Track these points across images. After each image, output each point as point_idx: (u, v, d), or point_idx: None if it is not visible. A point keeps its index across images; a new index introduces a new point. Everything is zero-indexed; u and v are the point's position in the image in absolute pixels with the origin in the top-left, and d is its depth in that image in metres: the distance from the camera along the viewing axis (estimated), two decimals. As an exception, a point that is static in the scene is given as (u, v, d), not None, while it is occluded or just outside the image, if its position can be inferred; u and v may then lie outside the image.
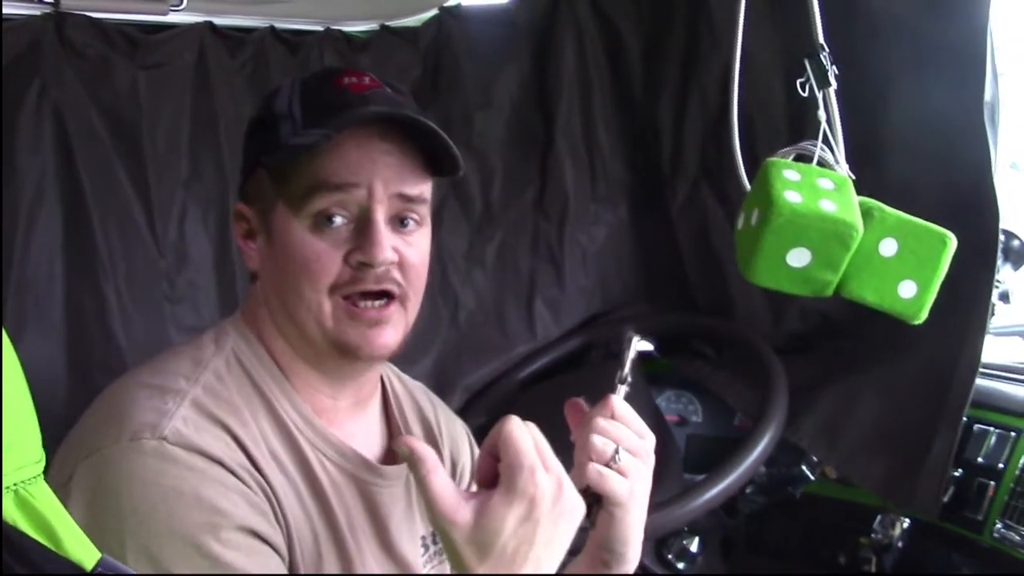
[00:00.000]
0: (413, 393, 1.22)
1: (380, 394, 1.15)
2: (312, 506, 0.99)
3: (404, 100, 1.02)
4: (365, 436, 1.10)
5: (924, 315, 1.19)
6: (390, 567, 1.07)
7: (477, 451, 1.27)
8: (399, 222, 1.00)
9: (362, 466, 1.05)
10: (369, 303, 0.99)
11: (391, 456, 1.12)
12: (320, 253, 0.97)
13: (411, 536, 1.10)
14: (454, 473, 1.21)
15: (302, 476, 0.99)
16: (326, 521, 1.00)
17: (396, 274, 0.99)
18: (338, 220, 0.97)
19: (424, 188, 1.02)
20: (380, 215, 0.97)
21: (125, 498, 0.86)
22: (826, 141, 1.22)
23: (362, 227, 0.97)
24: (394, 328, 1.00)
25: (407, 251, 1.00)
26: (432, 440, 1.19)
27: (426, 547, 1.13)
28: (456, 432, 1.25)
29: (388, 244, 0.97)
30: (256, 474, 0.94)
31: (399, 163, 0.99)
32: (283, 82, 1.05)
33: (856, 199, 1.16)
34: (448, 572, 1.16)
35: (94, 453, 0.89)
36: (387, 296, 1.00)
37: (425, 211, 1.03)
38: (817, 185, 1.14)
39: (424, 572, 1.13)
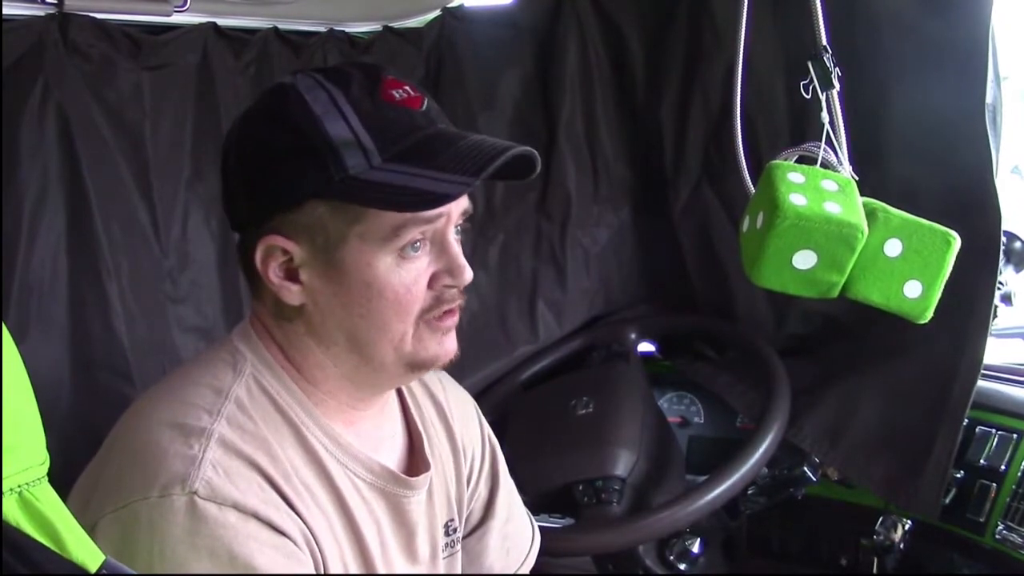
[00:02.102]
0: (422, 378, 1.20)
1: (395, 390, 1.15)
2: (343, 534, 0.99)
3: (437, 104, 1.01)
4: (391, 441, 1.11)
5: (930, 314, 1.19)
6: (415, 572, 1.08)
7: (487, 428, 1.27)
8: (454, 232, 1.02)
9: (391, 480, 1.05)
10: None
11: (414, 458, 1.12)
12: (409, 286, 0.97)
13: (433, 532, 1.11)
14: (465, 457, 1.21)
15: (333, 503, 0.99)
16: (357, 547, 1.01)
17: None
18: (420, 246, 0.97)
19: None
20: (452, 237, 0.99)
21: (156, 557, 0.84)
22: (829, 142, 1.23)
23: (443, 251, 0.98)
24: (455, 332, 1.03)
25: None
26: (445, 422, 1.19)
27: (448, 533, 1.15)
28: (466, 411, 1.25)
29: (466, 262, 1.00)
30: (292, 514, 0.92)
31: None
32: (309, 96, 0.95)
33: (860, 200, 1.17)
34: (458, 563, 1.18)
35: (121, 508, 0.87)
36: None
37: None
38: (821, 187, 1.15)
39: (444, 557, 1.14)
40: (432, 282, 0.98)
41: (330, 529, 0.97)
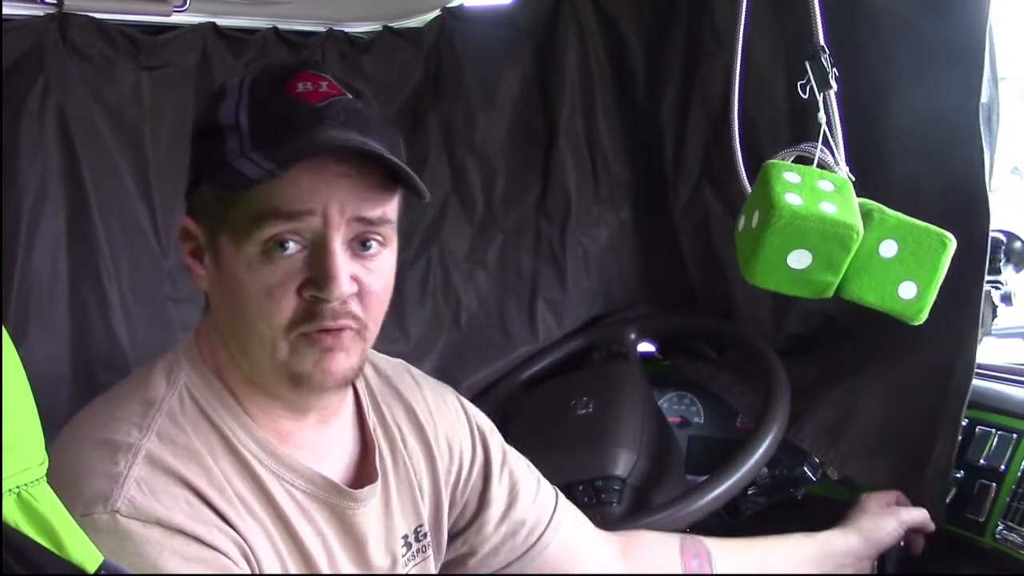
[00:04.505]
0: (391, 379, 1.17)
1: (352, 397, 1.11)
2: (283, 545, 0.97)
3: (364, 107, 0.95)
4: (339, 452, 1.07)
5: (924, 316, 1.19)
6: None
7: (476, 418, 1.24)
8: (360, 245, 0.93)
9: (333, 492, 1.02)
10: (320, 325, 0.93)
11: (364, 469, 1.08)
12: (272, 287, 0.90)
13: (390, 542, 1.09)
14: (451, 455, 1.19)
15: (269, 514, 0.96)
16: (299, 557, 0.98)
17: (354, 307, 0.93)
18: (291, 246, 0.90)
19: (387, 208, 0.94)
20: (337, 243, 0.91)
21: None
22: (826, 143, 1.23)
23: (317, 256, 0.90)
24: (347, 354, 0.94)
25: (367, 278, 0.94)
26: (416, 423, 1.16)
27: (408, 545, 1.11)
28: (445, 407, 1.21)
29: (346, 276, 0.91)
30: (226, 527, 0.91)
31: (357, 185, 0.91)
32: (231, 81, 0.95)
33: (856, 201, 1.17)
34: (431, 568, 1.15)
35: None
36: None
37: (390, 231, 0.96)
38: (817, 187, 1.15)
39: (414, 563, 1.12)
40: (302, 289, 0.91)
41: (268, 540, 0.96)
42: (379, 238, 0.95)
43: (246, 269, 0.91)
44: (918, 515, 1.47)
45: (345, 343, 0.94)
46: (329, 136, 0.90)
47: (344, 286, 0.91)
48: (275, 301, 0.91)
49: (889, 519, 1.45)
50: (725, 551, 1.38)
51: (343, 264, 0.91)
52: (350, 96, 0.94)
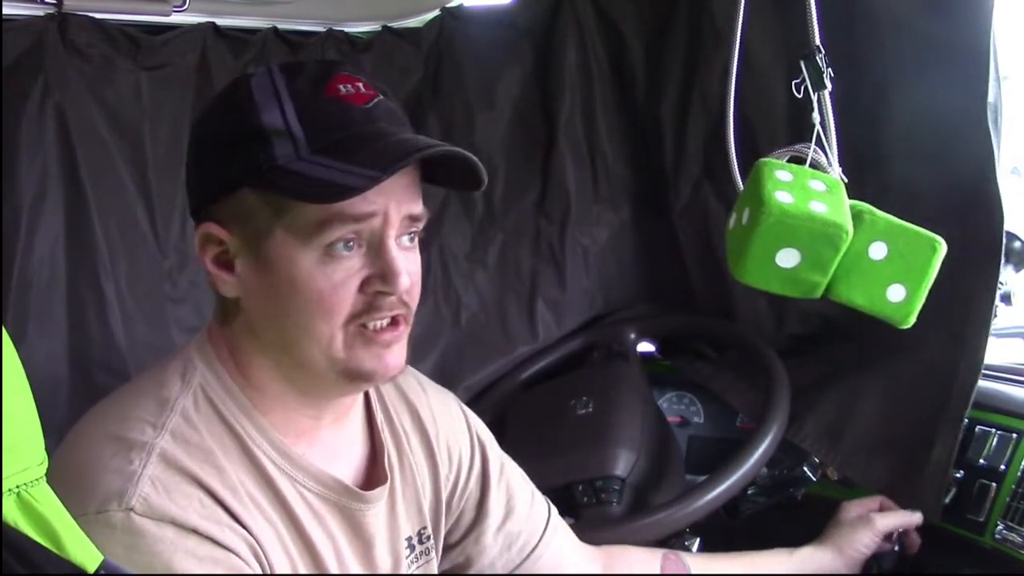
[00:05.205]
0: (398, 383, 1.19)
1: (363, 398, 1.12)
2: (293, 547, 0.98)
3: (395, 106, 0.99)
4: (350, 452, 1.09)
5: (912, 320, 1.19)
6: None
7: (476, 427, 1.25)
8: (404, 239, 0.98)
9: (344, 493, 1.03)
10: (379, 324, 0.96)
11: (376, 470, 1.10)
12: (336, 286, 0.93)
13: (394, 543, 1.09)
14: (450, 462, 1.19)
15: (280, 516, 0.97)
16: (309, 558, 0.99)
17: (405, 296, 0.97)
18: (353, 246, 0.94)
19: (421, 203, 0.99)
20: (393, 240, 0.95)
21: None
22: (820, 143, 1.22)
23: (377, 254, 0.94)
24: (402, 346, 0.99)
25: (410, 269, 0.98)
26: (420, 428, 1.17)
27: (412, 547, 1.12)
28: (448, 414, 1.23)
29: (405, 271, 0.95)
30: (238, 527, 0.91)
31: (409, 183, 0.96)
32: (257, 83, 0.96)
33: (847, 202, 1.17)
34: (433, 570, 1.16)
35: None
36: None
37: (422, 224, 1.00)
38: (808, 187, 1.15)
39: (417, 566, 1.12)
40: (364, 286, 0.94)
41: (279, 540, 0.96)
42: (417, 230, 1.00)
43: (307, 270, 0.93)
44: (896, 520, 1.47)
45: (401, 335, 0.99)
46: (412, 140, 0.94)
47: (406, 279, 0.95)
48: (340, 298, 0.93)
49: (864, 531, 1.46)
50: (705, 567, 1.42)
51: (401, 259, 0.95)
52: (382, 96, 0.97)
